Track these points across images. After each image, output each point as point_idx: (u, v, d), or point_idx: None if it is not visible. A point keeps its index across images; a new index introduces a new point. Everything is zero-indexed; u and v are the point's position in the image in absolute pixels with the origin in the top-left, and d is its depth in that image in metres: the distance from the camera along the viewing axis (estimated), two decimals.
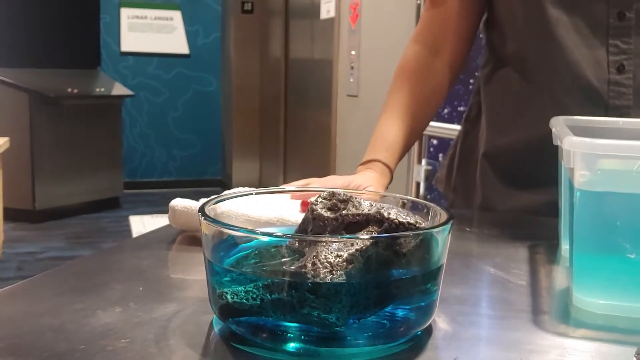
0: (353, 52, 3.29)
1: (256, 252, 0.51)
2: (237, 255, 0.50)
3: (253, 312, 0.47)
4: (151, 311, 0.53)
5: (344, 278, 0.46)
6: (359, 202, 0.53)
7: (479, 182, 1.10)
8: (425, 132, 2.49)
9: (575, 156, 0.57)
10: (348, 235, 0.50)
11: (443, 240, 0.50)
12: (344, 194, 0.54)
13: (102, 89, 5.42)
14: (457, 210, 1.10)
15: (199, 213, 0.50)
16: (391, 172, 1.04)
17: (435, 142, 2.59)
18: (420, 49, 1.10)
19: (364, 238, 0.47)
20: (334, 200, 0.54)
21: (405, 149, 1.08)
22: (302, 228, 0.55)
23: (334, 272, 0.46)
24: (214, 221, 0.49)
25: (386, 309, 0.49)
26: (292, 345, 0.48)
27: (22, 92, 4.88)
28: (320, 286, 0.45)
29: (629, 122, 0.79)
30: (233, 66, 6.02)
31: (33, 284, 0.61)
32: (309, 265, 0.46)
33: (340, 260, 0.47)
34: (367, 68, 3.20)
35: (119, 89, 5.55)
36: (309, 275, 0.46)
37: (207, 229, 0.49)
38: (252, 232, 0.51)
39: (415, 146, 2.54)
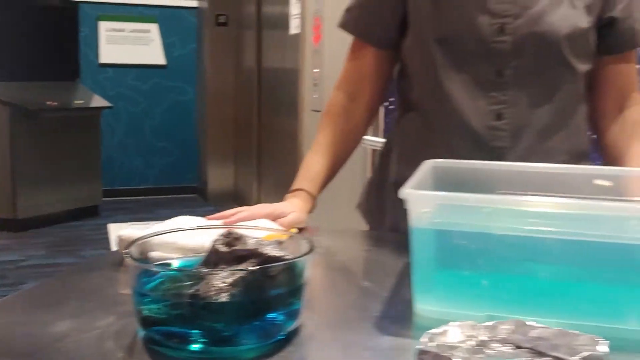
0: (316, 70, 3.48)
1: (170, 278, 0.70)
2: (156, 281, 0.70)
3: (164, 323, 0.67)
4: (95, 321, 0.73)
5: (228, 298, 0.65)
6: (247, 240, 0.73)
7: (389, 207, 1.30)
8: None
9: (407, 202, 0.77)
10: (230, 268, 0.70)
11: (303, 267, 0.70)
12: (237, 233, 0.74)
13: (81, 101, 5.58)
14: (365, 231, 1.30)
15: (124, 252, 0.69)
16: (314, 198, 1.24)
17: None
18: (342, 95, 1.31)
19: (240, 269, 0.67)
20: (230, 238, 0.74)
21: (328, 179, 1.28)
22: (206, 259, 0.74)
23: (221, 293, 0.66)
24: (136, 259, 0.68)
25: (262, 317, 0.68)
26: (194, 346, 0.67)
27: (2, 105, 5.03)
28: (210, 304, 0.65)
29: (485, 163, 0.99)
30: (208, 76, 6.21)
31: (7, 302, 0.80)
32: (202, 289, 0.66)
33: (225, 285, 0.66)
34: (330, 86, 3.38)
35: (97, 101, 5.71)
36: (202, 297, 0.65)
37: (130, 264, 0.69)
38: (161, 267, 0.70)
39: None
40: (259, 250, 0.71)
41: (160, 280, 0.70)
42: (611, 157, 1.24)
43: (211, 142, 6.30)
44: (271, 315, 0.69)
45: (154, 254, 0.83)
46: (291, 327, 0.71)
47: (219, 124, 6.26)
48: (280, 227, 1.07)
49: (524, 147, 1.18)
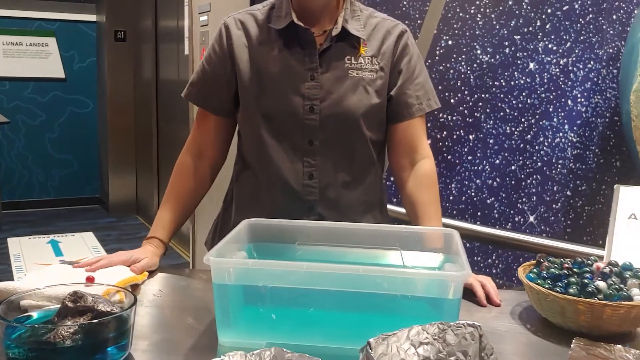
0: None
1: (29, 329, 0.98)
2: (18, 332, 0.96)
3: None
4: None
5: (71, 342, 0.93)
6: (87, 298, 1.01)
7: None
8: None
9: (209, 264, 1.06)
10: (73, 320, 0.98)
11: (128, 316, 0.98)
12: (81, 293, 1.01)
13: None
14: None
15: None
16: (165, 244, 1.52)
17: None
18: (189, 156, 1.60)
19: (80, 323, 0.95)
20: (75, 297, 1.01)
21: (178, 226, 1.56)
22: (59, 311, 1.01)
23: (66, 340, 0.93)
24: (1, 318, 0.95)
25: (99, 354, 0.96)
26: None
27: None
28: (58, 348, 0.93)
29: (290, 222, 1.30)
30: (108, 88, 6.35)
31: None
32: (51, 336, 0.93)
33: (69, 333, 0.94)
34: None
35: None
36: (53, 342, 0.93)
37: None
38: (21, 323, 0.97)
39: None
40: (95, 306, 0.99)
41: (21, 331, 0.97)
42: (409, 205, 1.56)
43: (112, 153, 6.45)
44: (108, 348, 0.97)
45: (24, 302, 1.10)
46: (122, 357, 0.99)
47: (120, 135, 6.41)
48: (132, 273, 1.35)
49: (330, 200, 1.50)
